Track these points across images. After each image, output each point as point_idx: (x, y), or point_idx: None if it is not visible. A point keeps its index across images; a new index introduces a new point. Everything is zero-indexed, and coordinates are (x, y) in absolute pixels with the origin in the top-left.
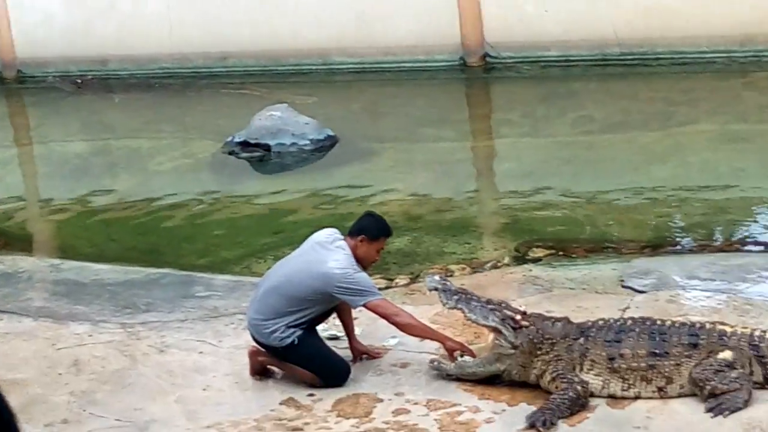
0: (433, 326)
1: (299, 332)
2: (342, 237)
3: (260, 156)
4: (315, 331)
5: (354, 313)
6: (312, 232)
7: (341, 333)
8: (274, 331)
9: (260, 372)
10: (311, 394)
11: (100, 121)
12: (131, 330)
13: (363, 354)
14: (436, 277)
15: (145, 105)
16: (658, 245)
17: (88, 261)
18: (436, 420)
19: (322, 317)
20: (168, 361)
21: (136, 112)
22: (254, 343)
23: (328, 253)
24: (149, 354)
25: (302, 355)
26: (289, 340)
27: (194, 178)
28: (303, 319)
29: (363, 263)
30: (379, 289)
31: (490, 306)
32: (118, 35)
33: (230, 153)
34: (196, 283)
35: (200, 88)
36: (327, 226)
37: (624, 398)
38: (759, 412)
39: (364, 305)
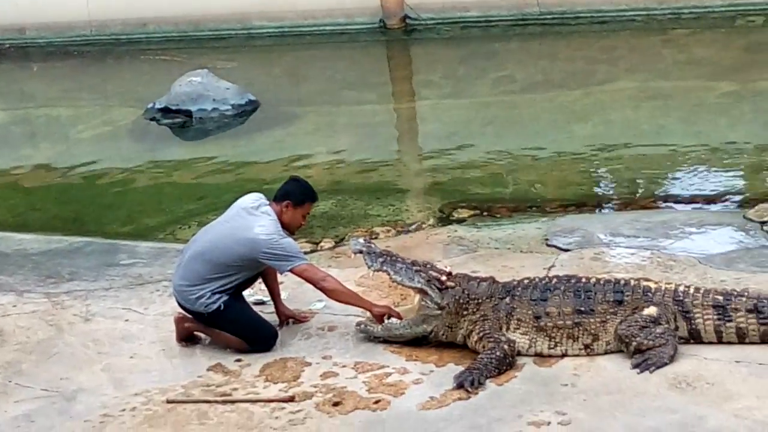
0: (359, 289)
1: (225, 298)
2: (267, 202)
3: (181, 122)
4: (241, 297)
5: (280, 277)
6: (236, 198)
7: (267, 298)
8: (200, 297)
9: (186, 338)
10: (239, 360)
11: (20, 90)
12: (56, 299)
13: (289, 318)
14: (361, 240)
15: (64, 73)
16: (581, 203)
17: (11, 231)
18: (364, 382)
19: (248, 283)
20: (94, 330)
21: (55, 81)
22: (180, 310)
23: (253, 219)
24: (75, 323)
25: (229, 320)
26: (215, 306)
27: (115, 145)
28: (229, 285)
29: (289, 228)
30: (305, 252)
31: (415, 267)
32: (35, 3)
33: (151, 120)
34: (120, 250)
35: (119, 55)
36: (251, 191)
37: (551, 356)
38: (684, 367)
39: (291, 270)
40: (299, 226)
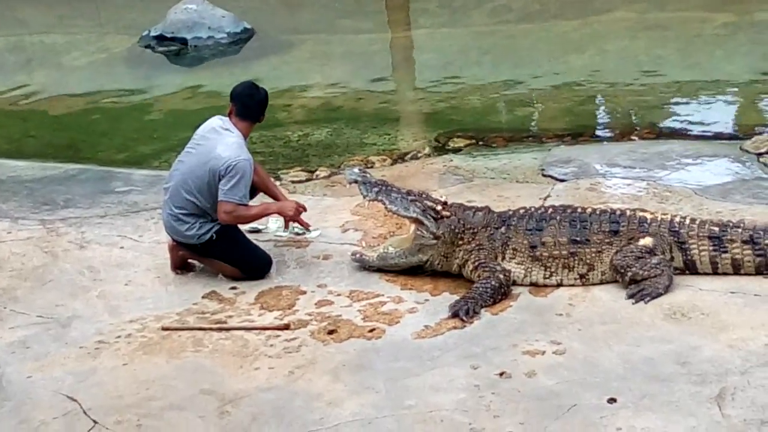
0: (355, 218)
1: (216, 227)
2: (228, 120)
3: (177, 50)
4: (234, 225)
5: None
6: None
7: (262, 225)
8: (190, 229)
9: (181, 266)
10: (233, 287)
11: (14, 16)
12: (51, 226)
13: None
14: (356, 170)
15: (58, 0)
16: (577, 134)
17: (5, 158)
18: (359, 311)
19: None
20: (89, 257)
21: (50, 8)
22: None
23: (216, 140)
24: (69, 250)
25: (222, 249)
26: (207, 236)
27: (110, 72)
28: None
29: None
30: (299, 181)
31: (410, 197)
32: None
33: (146, 47)
34: (115, 178)
35: None
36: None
37: (546, 286)
38: (679, 298)
39: (226, 202)
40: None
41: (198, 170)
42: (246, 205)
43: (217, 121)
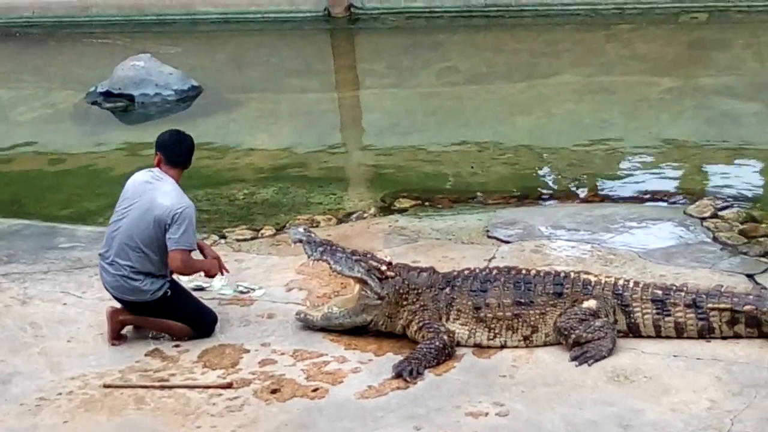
0: (299, 277)
1: (168, 282)
2: (159, 170)
3: (124, 106)
4: (178, 281)
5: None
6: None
7: (206, 283)
8: (144, 285)
9: (120, 337)
10: (177, 345)
11: None
12: None
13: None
14: (300, 229)
15: (5, 54)
16: (523, 196)
17: None
18: (303, 370)
19: None
20: (31, 313)
21: None
22: (114, 303)
23: (154, 191)
24: (11, 306)
25: (175, 305)
26: (161, 292)
27: (57, 128)
28: (166, 269)
29: None
30: (244, 240)
31: (355, 257)
32: None
33: (93, 103)
34: (59, 234)
35: (62, 38)
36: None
37: (490, 347)
38: (622, 361)
39: (177, 250)
40: None
41: (141, 224)
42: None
43: (145, 174)
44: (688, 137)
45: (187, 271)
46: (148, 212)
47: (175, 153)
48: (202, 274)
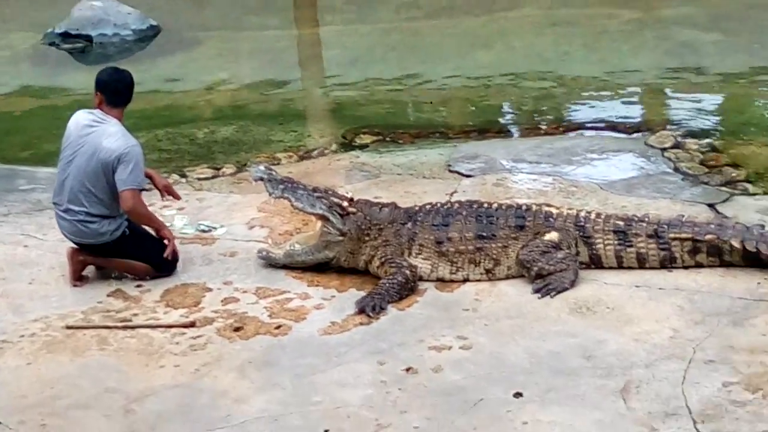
0: (261, 215)
1: (125, 222)
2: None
3: (82, 47)
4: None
5: (181, 202)
6: (133, 124)
7: (168, 223)
8: (101, 227)
9: (81, 278)
10: (139, 285)
11: None
12: None
13: (166, 189)
14: (261, 167)
15: None
16: (484, 130)
17: None
18: (266, 308)
19: None
20: None
21: None
22: (73, 245)
23: (98, 133)
24: None
25: (135, 244)
26: (119, 233)
27: (14, 70)
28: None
29: None
30: (205, 179)
31: (316, 194)
32: None
33: (51, 44)
34: (19, 176)
35: None
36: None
37: (453, 281)
38: (585, 292)
39: (127, 190)
40: None
41: (89, 169)
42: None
43: (86, 116)
44: (648, 68)
45: (139, 215)
46: (94, 157)
47: (116, 92)
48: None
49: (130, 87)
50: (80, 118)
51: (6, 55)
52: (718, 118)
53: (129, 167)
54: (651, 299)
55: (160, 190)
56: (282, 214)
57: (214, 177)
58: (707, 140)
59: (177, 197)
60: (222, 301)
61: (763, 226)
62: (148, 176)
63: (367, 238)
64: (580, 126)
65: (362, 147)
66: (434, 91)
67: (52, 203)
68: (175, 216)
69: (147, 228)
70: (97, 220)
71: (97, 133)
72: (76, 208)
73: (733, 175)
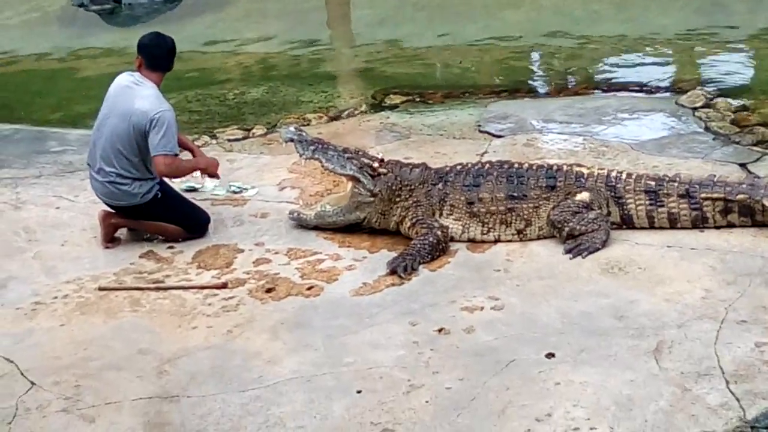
0: (292, 176)
1: (158, 185)
2: (140, 74)
3: (111, 8)
4: (168, 183)
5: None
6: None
7: (198, 184)
8: (133, 189)
9: (113, 240)
10: (171, 247)
11: None
12: None
13: (205, 171)
14: (291, 128)
15: None
16: (514, 90)
17: None
18: (297, 269)
19: None
20: (24, 218)
21: None
22: (106, 208)
23: (132, 94)
24: (4, 211)
25: (166, 207)
26: (150, 195)
27: (44, 32)
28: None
29: None
30: (236, 140)
31: (347, 155)
32: None
33: (80, 6)
34: (50, 138)
35: None
36: (178, 79)
37: (484, 242)
38: (616, 252)
39: (161, 155)
40: None
41: (121, 130)
42: (178, 156)
43: (126, 78)
44: (678, 28)
45: (175, 174)
46: (126, 118)
47: (156, 56)
48: (198, 174)
49: (170, 53)
50: (121, 79)
51: (35, 16)
52: (748, 77)
53: (161, 132)
54: (683, 259)
55: (200, 170)
56: (312, 175)
57: (244, 138)
58: (738, 100)
59: (217, 177)
60: (253, 262)
61: None
62: (190, 150)
63: (398, 199)
64: (611, 86)
65: (392, 107)
66: (463, 50)
67: (86, 164)
68: (206, 178)
69: (179, 190)
70: (129, 182)
71: (131, 94)
72: (108, 169)
73: (765, 134)
